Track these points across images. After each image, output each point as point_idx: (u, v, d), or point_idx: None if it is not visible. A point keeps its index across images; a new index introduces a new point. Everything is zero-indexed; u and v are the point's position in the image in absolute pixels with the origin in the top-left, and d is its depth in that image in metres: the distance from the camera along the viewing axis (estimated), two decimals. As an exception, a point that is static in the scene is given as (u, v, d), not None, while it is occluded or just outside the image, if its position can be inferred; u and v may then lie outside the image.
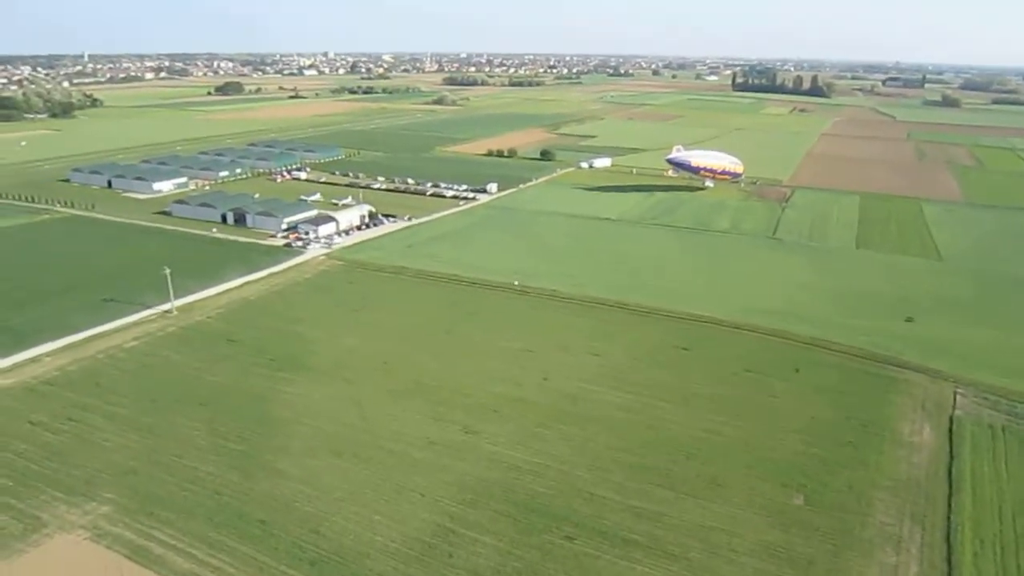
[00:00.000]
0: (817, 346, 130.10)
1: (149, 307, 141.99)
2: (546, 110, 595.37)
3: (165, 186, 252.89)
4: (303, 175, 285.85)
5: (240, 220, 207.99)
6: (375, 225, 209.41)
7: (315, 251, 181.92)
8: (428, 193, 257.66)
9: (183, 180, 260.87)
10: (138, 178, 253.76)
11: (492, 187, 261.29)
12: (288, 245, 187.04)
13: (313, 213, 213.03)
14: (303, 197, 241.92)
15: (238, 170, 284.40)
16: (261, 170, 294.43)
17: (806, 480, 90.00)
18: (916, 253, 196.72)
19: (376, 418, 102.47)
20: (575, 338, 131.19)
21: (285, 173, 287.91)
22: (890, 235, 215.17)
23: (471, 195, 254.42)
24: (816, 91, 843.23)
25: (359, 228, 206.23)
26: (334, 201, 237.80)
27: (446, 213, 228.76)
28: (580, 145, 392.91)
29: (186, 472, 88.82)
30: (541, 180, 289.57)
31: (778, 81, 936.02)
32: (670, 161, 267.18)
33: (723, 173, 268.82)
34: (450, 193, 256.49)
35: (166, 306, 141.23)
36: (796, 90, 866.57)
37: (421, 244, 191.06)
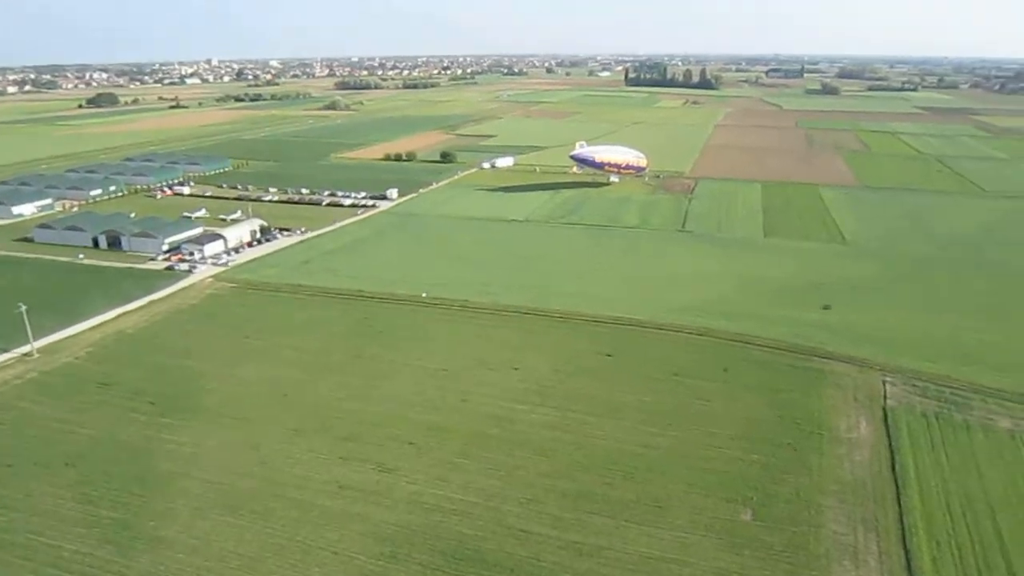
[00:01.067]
0: (742, 342, 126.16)
1: (5, 351, 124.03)
2: (443, 111, 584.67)
3: (26, 209, 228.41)
4: (186, 190, 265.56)
5: (115, 243, 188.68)
6: (268, 240, 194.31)
7: (201, 273, 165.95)
8: (324, 203, 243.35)
9: (48, 202, 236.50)
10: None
11: (392, 193, 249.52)
12: (170, 268, 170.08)
13: (198, 231, 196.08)
14: (187, 214, 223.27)
15: (112, 188, 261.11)
16: (139, 186, 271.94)
17: (751, 492, 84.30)
18: (822, 239, 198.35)
19: (277, 463, 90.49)
20: (492, 352, 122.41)
21: (166, 189, 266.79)
22: (794, 222, 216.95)
23: (371, 202, 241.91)
24: (705, 83, 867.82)
25: (250, 245, 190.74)
26: (222, 217, 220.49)
27: (345, 223, 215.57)
28: (480, 145, 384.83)
29: (47, 553, 74.73)
30: (443, 183, 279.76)
31: (669, 75, 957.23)
32: (574, 158, 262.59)
33: (627, 168, 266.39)
34: (348, 201, 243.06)
35: (24, 348, 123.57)
36: (687, 83, 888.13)
37: (319, 258, 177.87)
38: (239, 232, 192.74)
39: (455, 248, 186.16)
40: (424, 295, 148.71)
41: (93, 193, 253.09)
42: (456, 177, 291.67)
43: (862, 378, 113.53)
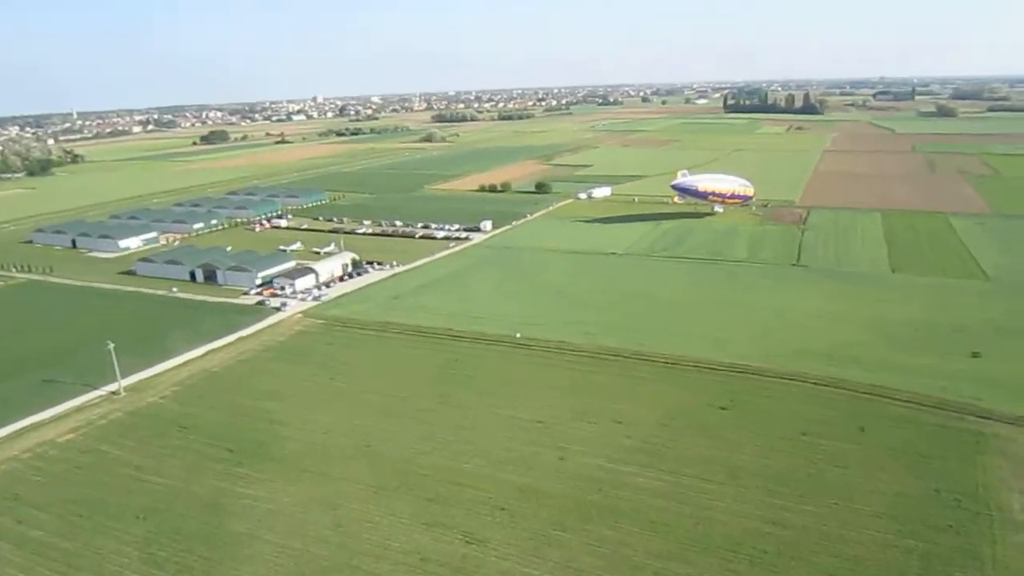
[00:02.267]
0: (878, 395, 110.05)
1: (94, 388, 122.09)
2: (538, 141, 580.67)
3: (133, 243, 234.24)
4: (283, 223, 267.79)
5: (210, 277, 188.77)
6: (359, 274, 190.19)
7: (292, 308, 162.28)
8: (417, 235, 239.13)
9: (153, 235, 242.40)
10: (104, 236, 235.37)
11: (486, 225, 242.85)
12: (261, 303, 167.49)
13: (291, 265, 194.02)
14: (282, 247, 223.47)
15: (213, 221, 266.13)
16: (239, 219, 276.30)
17: (911, 590, 69.39)
18: (959, 274, 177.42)
19: (355, 527, 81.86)
20: (592, 401, 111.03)
21: (264, 222, 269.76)
22: (925, 255, 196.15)
23: (464, 235, 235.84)
24: (809, 108, 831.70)
25: (341, 279, 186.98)
26: (315, 250, 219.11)
27: (437, 256, 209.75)
28: (576, 175, 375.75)
29: (104, 625, 68.11)
30: (538, 214, 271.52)
31: (770, 100, 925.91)
32: (675, 187, 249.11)
33: (732, 197, 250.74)
34: (441, 234, 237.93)
35: (112, 387, 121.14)
36: (789, 108, 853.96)
37: (409, 294, 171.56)
38: (331, 266, 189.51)
39: (551, 283, 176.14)
40: (518, 335, 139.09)
41: (195, 226, 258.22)
42: (552, 208, 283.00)
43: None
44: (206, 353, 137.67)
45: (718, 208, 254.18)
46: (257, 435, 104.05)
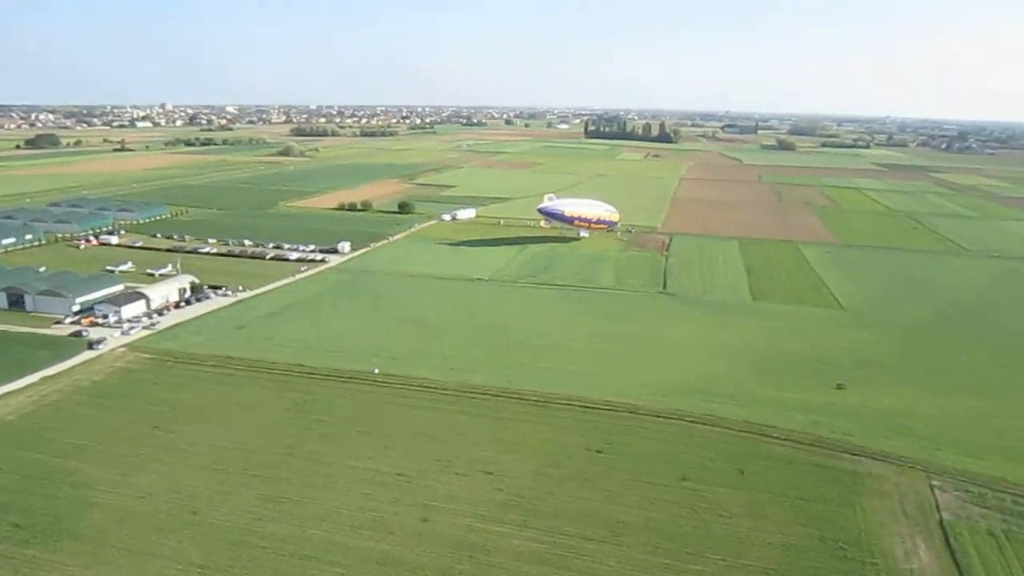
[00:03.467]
0: (754, 433, 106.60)
1: None
2: (401, 159, 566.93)
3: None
4: (114, 239, 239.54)
5: (17, 302, 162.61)
6: (199, 300, 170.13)
7: (115, 340, 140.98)
8: (268, 256, 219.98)
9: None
10: None
11: (344, 246, 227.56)
12: (78, 334, 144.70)
13: (118, 288, 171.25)
14: (110, 268, 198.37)
15: (28, 236, 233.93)
16: (62, 235, 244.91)
17: (809, 664, 63.31)
18: (815, 302, 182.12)
19: (170, 623, 66.59)
20: (459, 448, 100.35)
21: (91, 238, 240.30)
22: (782, 283, 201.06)
23: (319, 256, 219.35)
24: (665, 137, 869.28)
25: (177, 305, 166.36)
26: (150, 271, 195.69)
27: (289, 281, 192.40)
28: (440, 195, 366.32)
29: None
30: (400, 236, 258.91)
31: (628, 128, 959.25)
32: (542, 211, 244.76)
33: (599, 222, 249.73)
34: (295, 255, 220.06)
35: None
36: (646, 136, 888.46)
37: (256, 323, 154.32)
38: (165, 291, 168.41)
39: (413, 312, 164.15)
40: (376, 371, 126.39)
41: (6, 241, 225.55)
42: (414, 229, 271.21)
43: (905, 482, 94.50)
44: (1, 396, 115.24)
45: (584, 233, 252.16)
46: (53, 504, 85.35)
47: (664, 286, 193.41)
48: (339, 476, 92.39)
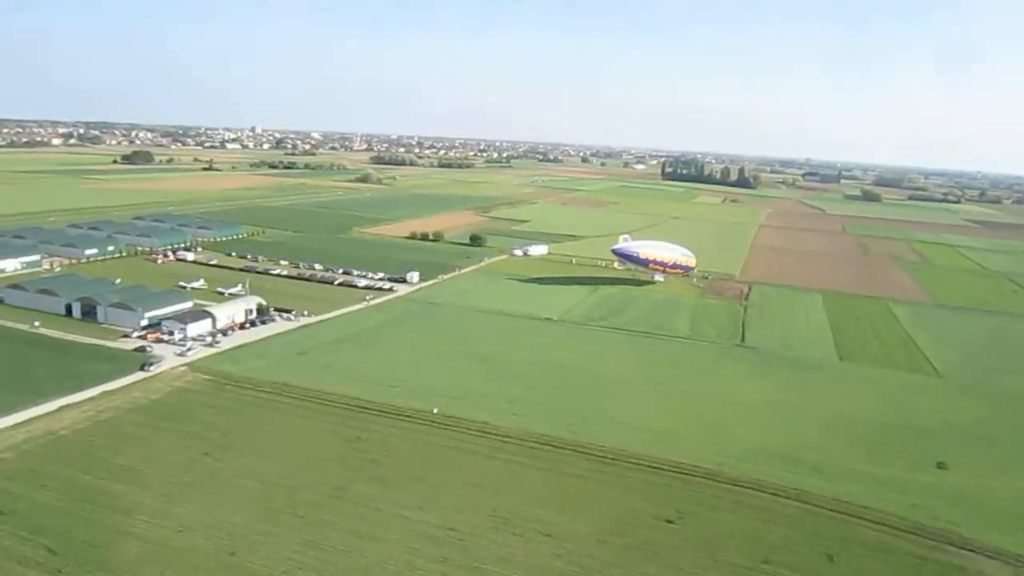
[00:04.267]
0: (844, 513, 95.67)
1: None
2: (476, 192, 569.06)
3: (9, 265, 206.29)
4: (190, 256, 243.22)
5: (89, 312, 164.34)
6: (263, 323, 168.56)
7: (175, 359, 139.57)
8: (337, 282, 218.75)
9: (35, 258, 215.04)
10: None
11: (413, 276, 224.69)
12: (141, 349, 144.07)
13: (186, 305, 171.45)
14: (182, 283, 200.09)
15: (111, 248, 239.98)
16: (142, 248, 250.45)
17: None
18: (908, 367, 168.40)
19: None
20: (517, 504, 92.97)
21: (169, 253, 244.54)
22: (871, 343, 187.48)
23: (388, 285, 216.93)
24: (743, 182, 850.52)
25: (243, 326, 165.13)
26: (220, 289, 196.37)
27: (355, 308, 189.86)
28: (513, 230, 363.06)
29: None
30: (470, 268, 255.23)
31: (705, 172, 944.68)
32: (616, 252, 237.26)
33: (674, 266, 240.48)
34: (363, 282, 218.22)
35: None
36: (724, 181, 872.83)
37: (318, 350, 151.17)
38: (231, 311, 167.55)
39: (478, 350, 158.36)
40: (435, 410, 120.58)
41: (89, 252, 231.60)
42: (485, 263, 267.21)
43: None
44: (58, 409, 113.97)
45: (658, 277, 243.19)
46: (92, 531, 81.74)
47: (742, 338, 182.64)
48: (387, 525, 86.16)
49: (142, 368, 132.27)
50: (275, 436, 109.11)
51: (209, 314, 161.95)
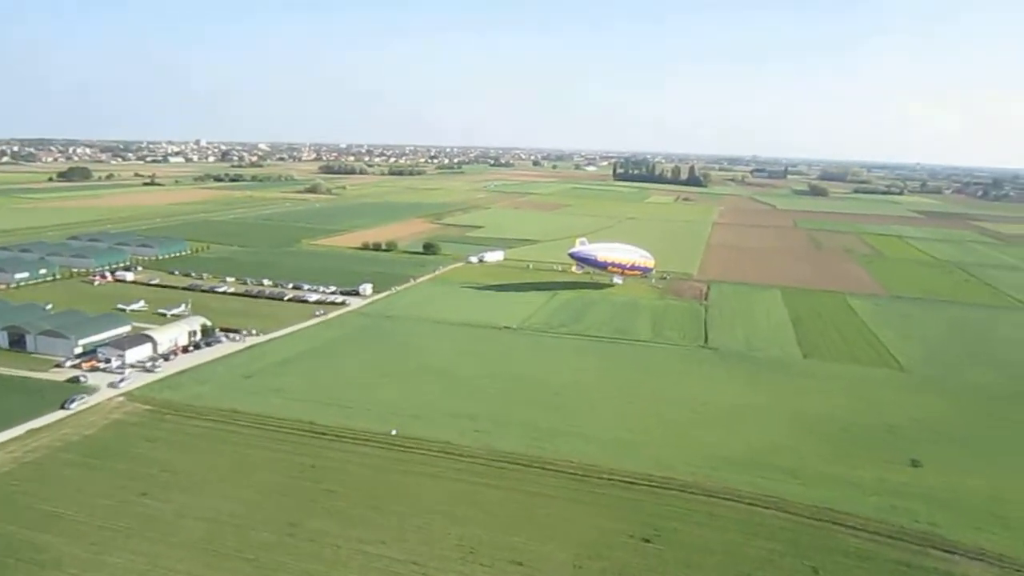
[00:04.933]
0: (824, 521, 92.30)
1: None
2: (428, 199, 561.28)
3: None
4: (130, 276, 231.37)
5: (18, 342, 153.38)
6: (208, 344, 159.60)
7: (114, 388, 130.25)
8: (287, 297, 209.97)
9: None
10: None
11: (366, 288, 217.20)
12: (75, 380, 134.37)
13: (124, 330, 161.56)
14: (121, 306, 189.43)
15: (43, 271, 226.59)
16: (77, 270, 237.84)
17: None
18: (872, 362, 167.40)
19: None
20: (485, 531, 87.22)
21: (107, 274, 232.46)
22: (833, 339, 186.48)
23: (340, 299, 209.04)
24: (694, 180, 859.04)
25: (186, 349, 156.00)
26: (162, 311, 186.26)
27: (306, 324, 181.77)
28: (467, 236, 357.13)
29: None
30: (425, 278, 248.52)
31: (656, 171, 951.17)
32: (573, 256, 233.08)
33: (633, 268, 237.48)
34: (314, 297, 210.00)
35: None
36: (675, 180, 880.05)
37: (266, 372, 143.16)
38: (173, 333, 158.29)
39: (436, 363, 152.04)
40: (393, 432, 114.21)
41: (19, 276, 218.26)
42: (440, 272, 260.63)
43: (1012, 591, 79.67)
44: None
45: (617, 279, 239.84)
46: (13, 590, 73.70)
47: (705, 339, 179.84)
48: (346, 564, 79.62)
49: (62, 407, 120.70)
50: (221, 470, 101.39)
51: (149, 338, 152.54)
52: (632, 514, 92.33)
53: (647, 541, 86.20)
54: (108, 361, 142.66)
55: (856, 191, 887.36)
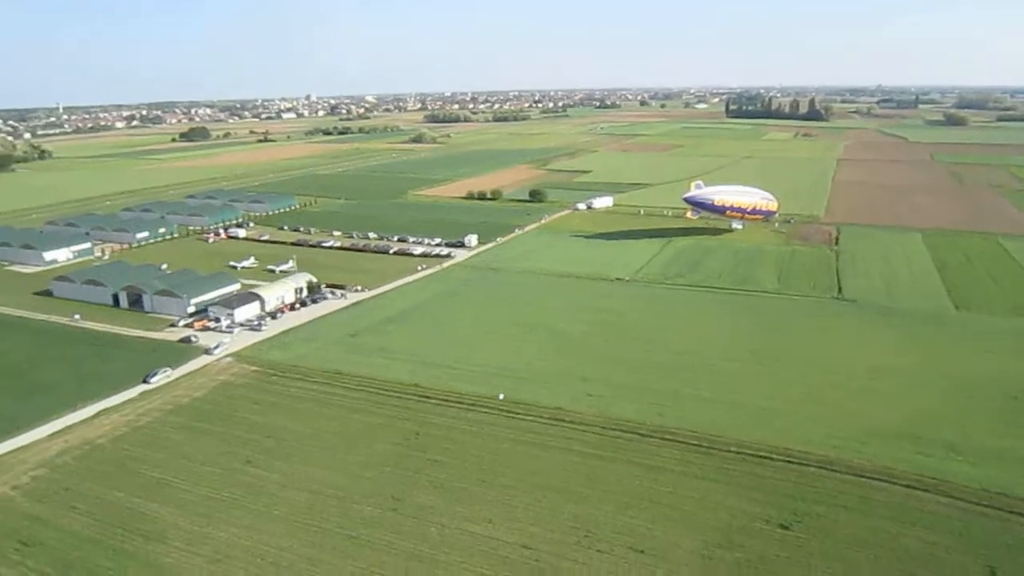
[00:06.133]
0: (999, 509, 78.94)
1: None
2: (533, 144, 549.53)
3: (61, 255, 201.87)
4: (242, 233, 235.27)
5: (136, 302, 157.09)
6: (314, 301, 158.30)
7: (223, 348, 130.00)
8: (392, 251, 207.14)
9: (86, 246, 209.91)
10: (27, 246, 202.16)
11: (471, 240, 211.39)
12: (186, 340, 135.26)
13: (233, 288, 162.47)
14: (232, 263, 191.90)
15: (162, 230, 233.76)
16: (194, 228, 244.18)
17: None
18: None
19: None
20: (602, 511, 79.49)
21: (221, 231, 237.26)
22: (988, 288, 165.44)
23: (445, 251, 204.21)
24: (814, 115, 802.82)
25: (292, 307, 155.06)
26: (271, 267, 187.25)
27: (411, 279, 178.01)
28: (574, 182, 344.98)
29: None
30: (531, 227, 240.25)
31: (773, 106, 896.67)
32: (688, 200, 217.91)
33: (754, 212, 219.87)
34: (419, 250, 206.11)
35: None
36: (793, 115, 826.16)
37: (372, 330, 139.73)
38: (280, 291, 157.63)
39: (545, 320, 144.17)
40: (501, 396, 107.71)
41: (140, 236, 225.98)
42: (547, 220, 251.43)
43: None
44: (96, 414, 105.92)
45: (736, 224, 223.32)
46: (120, 565, 72.20)
47: (839, 290, 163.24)
48: (451, 545, 73.99)
49: (208, 347, 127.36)
50: (325, 436, 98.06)
51: (257, 296, 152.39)
52: (767, 494, 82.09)
53: (786, 528, 75.99)
54: (218, 320, 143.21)
55: (1000, 119, 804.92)
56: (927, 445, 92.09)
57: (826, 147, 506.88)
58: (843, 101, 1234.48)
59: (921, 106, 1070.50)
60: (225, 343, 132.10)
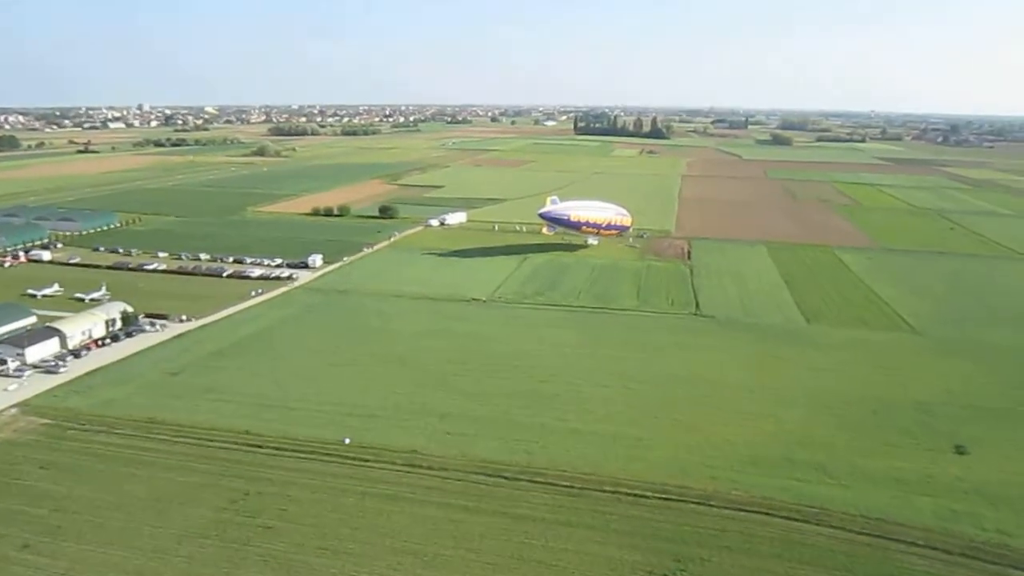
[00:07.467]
0: (876, 536, 75.81)
1: None
2: (384, 159, 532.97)
3: None
4: (46, 255, 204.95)
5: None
6: (129, 335, 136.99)
7: (9, 395, 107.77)
8: (226, 273, 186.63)
9: None
10: None
11: (316, 260, 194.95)
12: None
13: (27, 322, 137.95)
14: (32, 291, 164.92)
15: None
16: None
17: None
18: (881, 325, 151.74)
19: None
20: (463, 570, 68.54)
21: (20, 254, 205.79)
22: (832, 299, 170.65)
23: (287, 273, 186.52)
24: (657, 133, 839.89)
25: (102, 342, 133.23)
26: (79, 295, 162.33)
27: (247, 305, 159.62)
28: (426, 197, 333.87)
29: None
30: (382, 245, 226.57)
31: (618, 125, 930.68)
32: (544, 216, 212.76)
33: (609, 228, 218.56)
34: (258, 272, 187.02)
35: None
36: (637, 132, 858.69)
37: (197, 367, 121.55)
38: (87, 324, 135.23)
39: (396, 348, 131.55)
40: (347, 440, 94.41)
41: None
42: (398, 237, 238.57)
43: None
44: None
45: (592, 240, 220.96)
46: None
47: (696, 306, 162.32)
48: (284, 640, 60.42)
49: None
50: (131, 505, 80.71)
51: (56, 331, 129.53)
52: (647, 540, 74.46)
53: (671, 579, 68.50)
54: (3, 363, 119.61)
55: (819, 139, 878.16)
56: (801, 469, 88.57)
57: (670, 164, 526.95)
58: (681, 121, 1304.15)
59: (750, 127, 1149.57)
60: (11, 390, 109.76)
